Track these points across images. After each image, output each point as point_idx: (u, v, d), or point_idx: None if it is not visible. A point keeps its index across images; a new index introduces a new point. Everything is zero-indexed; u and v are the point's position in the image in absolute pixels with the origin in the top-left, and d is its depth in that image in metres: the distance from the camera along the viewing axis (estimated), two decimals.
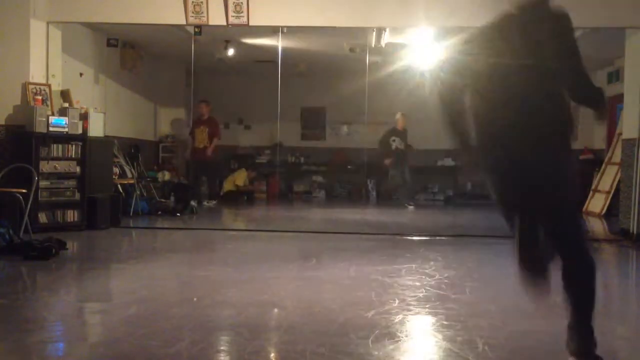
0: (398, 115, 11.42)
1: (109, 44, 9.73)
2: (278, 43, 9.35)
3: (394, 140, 11.41)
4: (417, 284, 4.74)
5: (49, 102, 7.33)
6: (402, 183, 11.55)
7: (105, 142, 8.04)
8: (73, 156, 7.28)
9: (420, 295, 4.40)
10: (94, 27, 9.03)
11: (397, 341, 3.34)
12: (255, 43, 9.97)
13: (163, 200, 9.91)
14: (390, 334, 3.44)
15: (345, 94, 11.79)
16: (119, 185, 8.68)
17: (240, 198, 12.36)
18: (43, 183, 7.00)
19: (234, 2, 7.27)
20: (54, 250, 5.56)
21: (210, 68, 11.73)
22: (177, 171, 11.70)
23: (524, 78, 2.79)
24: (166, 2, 7.39)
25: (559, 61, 2.75)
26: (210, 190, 11.60)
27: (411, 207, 11.20)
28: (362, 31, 8.82)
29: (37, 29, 7.27)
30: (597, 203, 10.46)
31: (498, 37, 2.94)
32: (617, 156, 9.46)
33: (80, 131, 7.33)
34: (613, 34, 8.16)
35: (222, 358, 3.13)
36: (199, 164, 11.46)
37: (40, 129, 6.92)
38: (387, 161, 11.48)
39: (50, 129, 7.01)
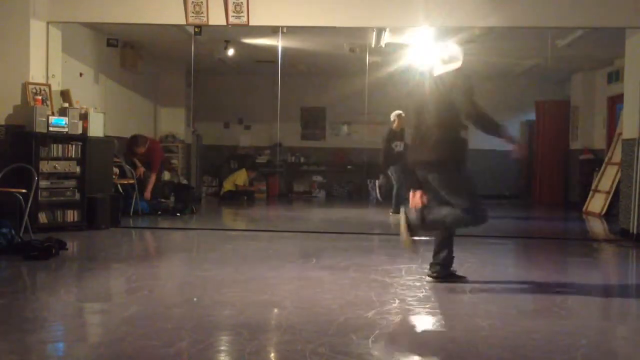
0: (393, 116, 9.91)
1: (109, 44, 9.73)
2: (278, 43, 9.35)
3: (396, 145, 9.94)
4: (417, 284, 4.74)
5: (49, 102, 7.33)
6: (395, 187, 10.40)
7: (105, 142, 8.04)
8: (73, 156, 7.28)
9: (420, 295, 4.40)
10: (94, 27, 9.03)
11: (397, 341, 3.34)
12: (255, 43, 9.97)
13: (163, 200, 9.90)
14: (390, 334, 3.44)
15: (345, 94, 11.81)
16: (119, 185, 8.68)
17: (240, 198, 12.37)
18: (43, 183, 7.00)
19: (234, 2, 7.27)
20: (54, 250, 5.57)
21: (210, 68, 11.74)
22: (177, 171, 11.70)
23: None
24: (166, 2, 7.39)
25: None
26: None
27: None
28: (362, 31, 8.82)
29: (37, 29, 7.27)
30: (597, 203, 10.46)
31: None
32: (617, 156, 9.47)
33: (80, 131, 7.33)
34: (613, 34, 8.16)
35: (222, 358, 3.13)
36: None
37: (40, 129, 6.92)
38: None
39: (50, 129, 7.01)
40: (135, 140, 9.63)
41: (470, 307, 4.10)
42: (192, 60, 9.72)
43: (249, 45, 10.07)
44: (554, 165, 12.85)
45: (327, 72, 12.54)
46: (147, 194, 9.44)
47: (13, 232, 5.90)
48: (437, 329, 3.64)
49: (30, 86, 7.17)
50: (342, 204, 12.41)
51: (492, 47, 9.59)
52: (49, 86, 7.40)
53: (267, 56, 10.44)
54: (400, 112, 9.87)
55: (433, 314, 3.93)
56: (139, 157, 9.64)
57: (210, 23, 7.38)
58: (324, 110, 13.86)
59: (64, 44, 7.79)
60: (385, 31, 8.67)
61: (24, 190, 6.34)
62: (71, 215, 7.29)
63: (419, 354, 3.28)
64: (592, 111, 12.05)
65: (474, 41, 8.81)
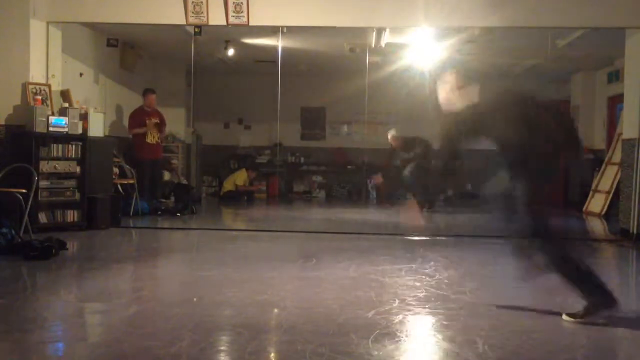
0: (389, 137, 9.91)
1: (109, 44, 9.73)
2: (278, 43, 9.35)
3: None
4: (417, 284, 4.74)
5: (49, 102, 7.33)
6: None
7: (105, 142, 8.03)
8: (73, 156, 7.28)
9: (420, 295, 4.40)
10: (94, 27, 9.02)
11: (397, 341, 3.34)
12: (255, 43, 9.97)
13: (163, 200, 9.90)
14: (390, 334, 3.43)
15: (345, 94, 11.78)
16: (119, 185, 8.68)
17: (241, 198, 12.37)
18: (43, 183, 7.00)
19: (234, 2, 7.26)
20: (54, 250, 5.57)
21: (210, 68, 11.73)
22: (177, 171, 11.69)
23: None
24: (166, 2, 7.39)
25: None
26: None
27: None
28: (362, 31, 8.82)
29: (37, 29, 7.27)
30: (597, 203, 10.46)
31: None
32: (617, 156, 9.46)
33: (80, 131, 7.33)
34: (613, 34, 8.16)
35: (222, 358, 3.13)
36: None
37: (40, 129, 6.92)
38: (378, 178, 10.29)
39: (50, 129, 7.01)
40: (148, 89, 9.75)
41: (470, 307, 4.10)
42: (192, 60, 9.71)
43: (249, 45, 10.06)
44: None
45: (327, 72, 12.53)
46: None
47: (13, 232, 5.91)
48: (437, 329, 3.64)
49: (30, 86, 7.17)
50: (342, 204, 12.41)
51: (492, 47, 9.59)
52: (49, 86, 7.40)
53: (267, 56, 10.43)
54: (393, 132, 9.81)
55: (433, 314, 3.93)
56: (150, 115, 9.58)
57: (210, 23, 7.38)
58: (324, 110, 13.85)
59: (64, 44, 7.78)
60: (385, 31, 8.66)
61: (24, 190, 6.34)
62: (71, 215, 7.29)
63: (419, 354, 3.28)
64: (592, 111, 12.05)
65: (474, 41, 8.81)
